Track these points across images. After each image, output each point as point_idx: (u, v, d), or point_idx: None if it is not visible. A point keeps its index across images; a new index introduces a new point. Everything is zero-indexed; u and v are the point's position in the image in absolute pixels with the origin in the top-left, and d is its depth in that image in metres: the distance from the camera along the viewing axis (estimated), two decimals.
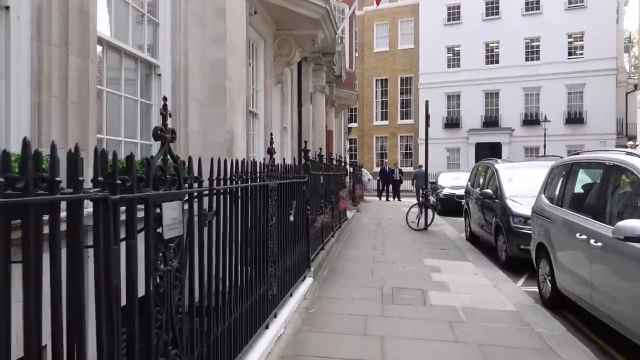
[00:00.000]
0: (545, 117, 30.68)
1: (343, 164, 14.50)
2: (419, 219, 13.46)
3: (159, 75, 4.85)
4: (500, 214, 9.00)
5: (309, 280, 6.72)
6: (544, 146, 30.62)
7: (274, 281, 4.72)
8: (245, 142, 6.54)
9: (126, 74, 4.28)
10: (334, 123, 21.47)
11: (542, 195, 6.97)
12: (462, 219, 13.05)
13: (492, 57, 36.88)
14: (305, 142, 8.44)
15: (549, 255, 6.19)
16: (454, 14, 37.89)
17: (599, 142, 33.16)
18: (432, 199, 20.56)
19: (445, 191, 18.23)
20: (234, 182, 3.45)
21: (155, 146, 4.31)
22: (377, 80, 41.84)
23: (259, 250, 4.15)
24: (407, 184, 38.89)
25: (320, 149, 11.04)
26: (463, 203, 12.87)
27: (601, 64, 33.25)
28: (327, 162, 10.20)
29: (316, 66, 13.88)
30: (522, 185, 9.31)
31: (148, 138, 4.49)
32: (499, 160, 10.47)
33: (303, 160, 7.22)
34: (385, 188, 24.67)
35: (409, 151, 40.63)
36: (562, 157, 8.13)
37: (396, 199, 24.37)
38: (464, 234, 12.46)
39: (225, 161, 3.30)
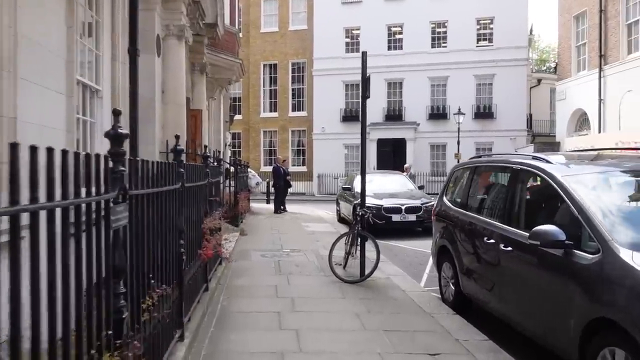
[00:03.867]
0: (460, 109, 26.82)
1: (221, 163, 8.36)
2: (347, 257, 7.87)
3: None
4: (621, 295, 3.64)
5: None
6: (458, 143, 26.73)
7: None
8: None
9: None
10: (209, 103, 15.27)
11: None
12: (398, 243, 10.63)
13: (395, 42, 32.60)
14: None
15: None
16: None
17: (509, 139, 30.27)
18: (343, 210, 15.13)
19: (368, 201, 12.75)
20: None
21: None
22: (265, 65, 35.98)
23: None
24: (298, 186, 33.66)
25: (178, 137, 4.95)
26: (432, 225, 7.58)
27: (512, 53, 30.23)
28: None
29: None
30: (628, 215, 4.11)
31: None
32: (550, 158, 4.85)
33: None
34: (279, 194, 18.59)
35: (301, 147, 35.29)
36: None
37: (282, 208, 18.08)
38: (433, 288, 7.08)
39: None
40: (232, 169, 13.38)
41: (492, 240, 5.04)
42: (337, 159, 32.83)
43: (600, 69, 21.77)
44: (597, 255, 3.60)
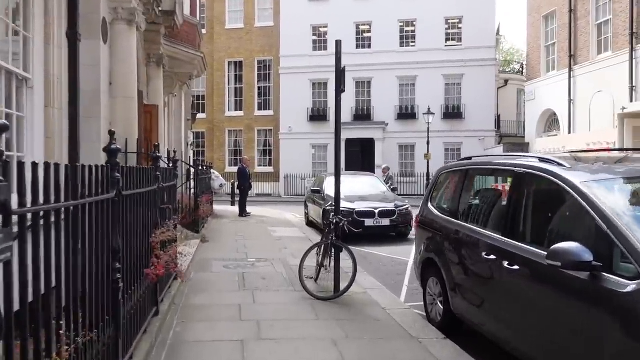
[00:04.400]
0: (429, 109, 26.38)
1: (177, 165, 7.39)
2: (319, 270, 7.08)
3: None
4: None
5: None
6: (428, 143, 26.27)
7: None
8: None
9: None
10: (168, 100, 14.28)
11: (430, 204, 6.10)
12: (372, 250, 9.89)
13: (363, 40, 31.99)
14: None
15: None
16: None
17: (477, 140, 30.07)
18: (312, 213, 14.36)
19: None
20: None
21: None
22: (230, 62, 34.84)
23: None
24: (264, 187, 32.73)
25: (112, 132, 4.11)
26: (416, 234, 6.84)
27: (480, 53, 29.99)
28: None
29: None
30: None
31: None
32: (562, 161, 4.08)
33: None
34: (245, 196, 17.61)
35: (268, 147, 34.31)
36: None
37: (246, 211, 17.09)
38: (415, 304, 6.34)
39: None
40: (192, 170, 12.42)
41: (492, 257, 4.31)
42: (304, 160, 32.03)
43: (570, 69, 21.61)
44: (637, 281, 2.90)
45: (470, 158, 5.66)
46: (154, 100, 10.38)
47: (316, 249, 7.02)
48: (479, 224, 4.82)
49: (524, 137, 35.57)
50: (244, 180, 16.93)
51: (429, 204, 6.08)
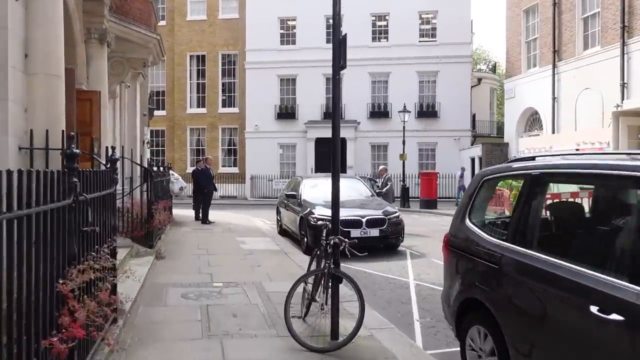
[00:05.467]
0: (405, 106, 24.93)
1: (115, 166, 5.53)
2: (309, 304, 5.39)
3: None
4: None
5: None
6: (403, 142, 24.82)
7: None
8: None
9: None
10: (120, 90, 12.34)
11: (468, 221, 4.37)
12: (361, 267, 8.32)
13: None
14: None
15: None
16: None
17: (453, 140, 28.93)
18: (285, 220, 12.68)
19: (319, 211, 10.26)
20: None
21: None
22: (191, 56, 32.66)
23: None
24: (229, 189, 30.70)
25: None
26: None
27: (455, 49, 28.78)
28: None
29: None
30: None
31: None
32: None
33: None
34: (208, 200, 15.64)
35: (232, 147, 32.30)
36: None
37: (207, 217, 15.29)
38: (441, 351, 4.73)
39: None
40: (147, 171, 10.49)
41: (614, 316, 2.68)
42: (271, 160, 30.23)
43: (554, 66, 20.53)
44: None
45: (533, 158, 4.00)
46: (96, 85, 8.44)
47: (307, 278, 5.30)
48: (577, 259, 3.12)
49: (498, 137, 34.76)
50: (207, 182, 15.03)
51: (467, 221, 4.40)
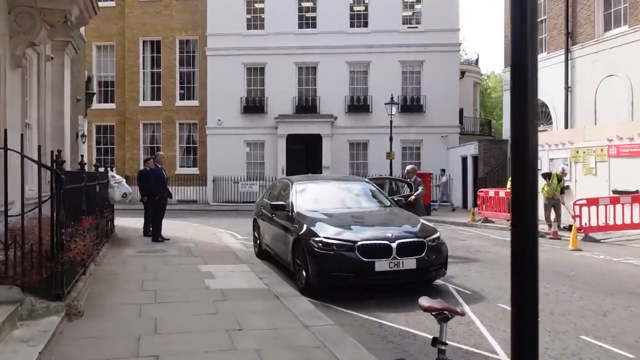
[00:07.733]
0: (392, 98, 21.93)
1: None
2: None
3: None
4: None
5: None
6: (390, 139, 21.73)
7: None
8: None
9: None
10: (38, 63, 8.70)
11: None
12: (388, 320, 5.64)
13: (307, 18, 27.14)
14: None
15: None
16: None
17: (440, 137, 26.11)
18: (267, 238, 9.36)
19: (325, 232, 6.90)
20: None
21: None
22: (145, 42, 28.77)
23: None
24: (188, 193, 27.05)
25: None
26: None
27: (442, 37, 26.01)
28: None
29: None
30: None
31: None
32: None
33: None
34: (161, 211, 11.98)
35: (192, 145, 28.54)
36: None
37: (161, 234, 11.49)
38: None
39: None
40: (53, 175, 6.92)
41: None
42: (236, 159, 26.72)
43: (567, 51, 17.86)
44: None
45: None
46: None
47: None
48: None
49: (482, 134, 32.21)
50: (158, 186, 11.47)
51: None
